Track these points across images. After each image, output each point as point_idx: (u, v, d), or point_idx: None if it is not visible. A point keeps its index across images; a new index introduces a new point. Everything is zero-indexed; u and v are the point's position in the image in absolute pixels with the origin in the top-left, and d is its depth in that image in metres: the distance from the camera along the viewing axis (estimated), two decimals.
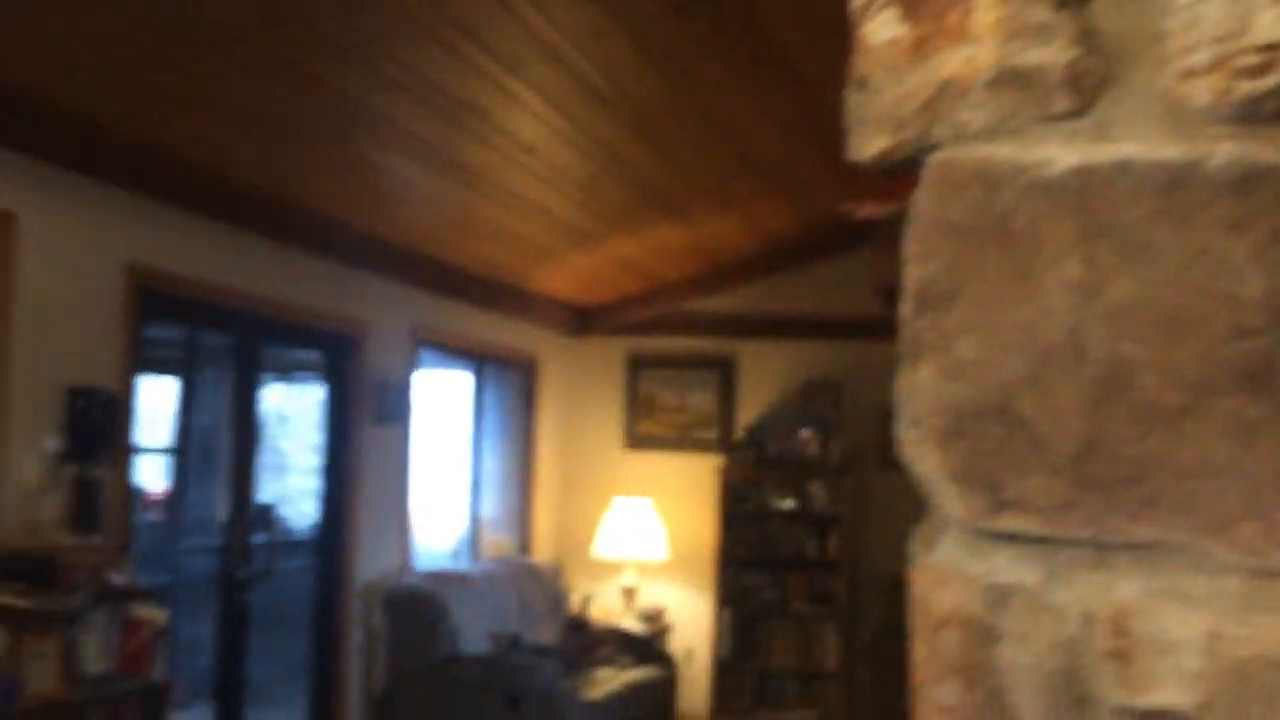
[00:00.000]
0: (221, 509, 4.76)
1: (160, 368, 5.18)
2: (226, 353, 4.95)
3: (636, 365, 7.21)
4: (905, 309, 0.88)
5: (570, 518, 7.16)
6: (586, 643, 5.88)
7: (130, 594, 3.42)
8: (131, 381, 4.00)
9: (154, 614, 3.45)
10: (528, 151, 4.31)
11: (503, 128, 4.04)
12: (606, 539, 6.70)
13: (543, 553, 6.90)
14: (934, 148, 0.91)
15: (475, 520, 6.46)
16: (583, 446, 7.27)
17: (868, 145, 0.88)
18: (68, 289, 3.73)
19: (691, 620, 6.74)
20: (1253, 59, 0.67)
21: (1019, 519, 0.81)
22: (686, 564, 6.80)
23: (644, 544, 6.63)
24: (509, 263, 5.92)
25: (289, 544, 5.32)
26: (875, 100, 0.88)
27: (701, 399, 7.05)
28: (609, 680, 5.46)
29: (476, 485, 6.48)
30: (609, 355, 7.26)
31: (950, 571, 0.88)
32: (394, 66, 3.42)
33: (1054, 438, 0.80)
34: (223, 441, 4.84)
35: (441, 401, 6.37)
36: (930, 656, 0.84)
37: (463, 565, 5.98)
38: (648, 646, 6.06)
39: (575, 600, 6.48)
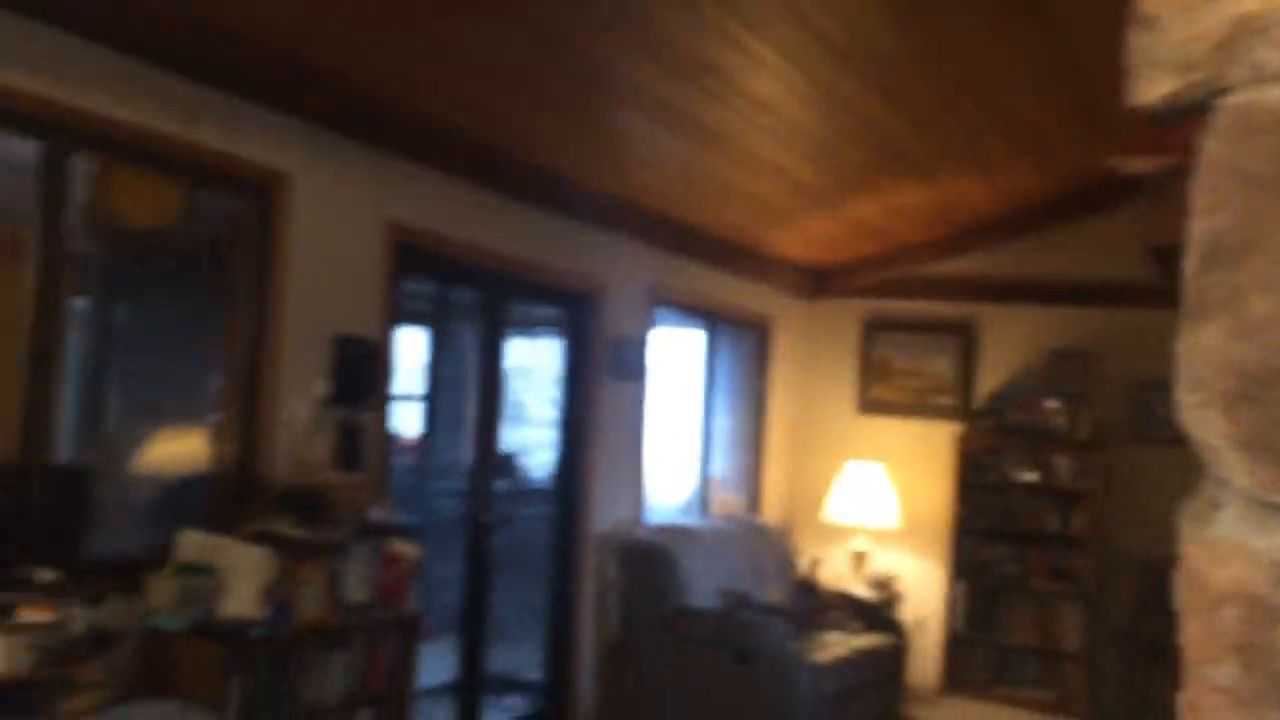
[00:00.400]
0: (467, 456, 5.01)
1: (414, 320, 5.49)
2: (474, 308, 5.19)
3: (872, 329, 7.08)
4: (1190, 265, 0.83)
5: (800, 480, 7.14)
6: (815, 605, 5.87)
7: (388, 530, 3.66)
8: (390, 332, 4.26)
9: (409, 550, 3.68)
10: (766, 111, 4.28)
11: (741, 87, 4.03)
12: (837, 503, 6.65)
13: (771, 513, 6.92)
14: (1227, 91, 0.85)
15: (705, 478, 6.54)
16: (815, 409, 7.22)
17: (1152, 89, 0.83)
18: (335, 245, 3.99)
19: (923, 590, 6.61)
20: None
21: None
22: (919, 532, 6.66)
23: (876, 510, 6.55)
24: (745, 223, 5.92)
25: (528, 492, 5.55)
26: (1162, 40, 0.82)
27: (939, 365, 6.86)
28: (837, 644, 5.44)
29: (707, 443, 6.55)
30: (844, 318, 7.16)
31: (1232, 546, 0.82)
32: (637, 28, 3.46)
33: None
34: (469, 392, 5.08)
35: (675, 359, 6.46)
36: (1206, 635, 0.80)
37: (693, 521, 6.08)
38: (878, 613, 5.98)
39: (804, 562, 6.47)
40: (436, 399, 5.32)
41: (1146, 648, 5.65)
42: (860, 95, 4.20)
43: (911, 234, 6.48)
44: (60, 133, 3.09)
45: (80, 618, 2.72)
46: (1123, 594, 6.13)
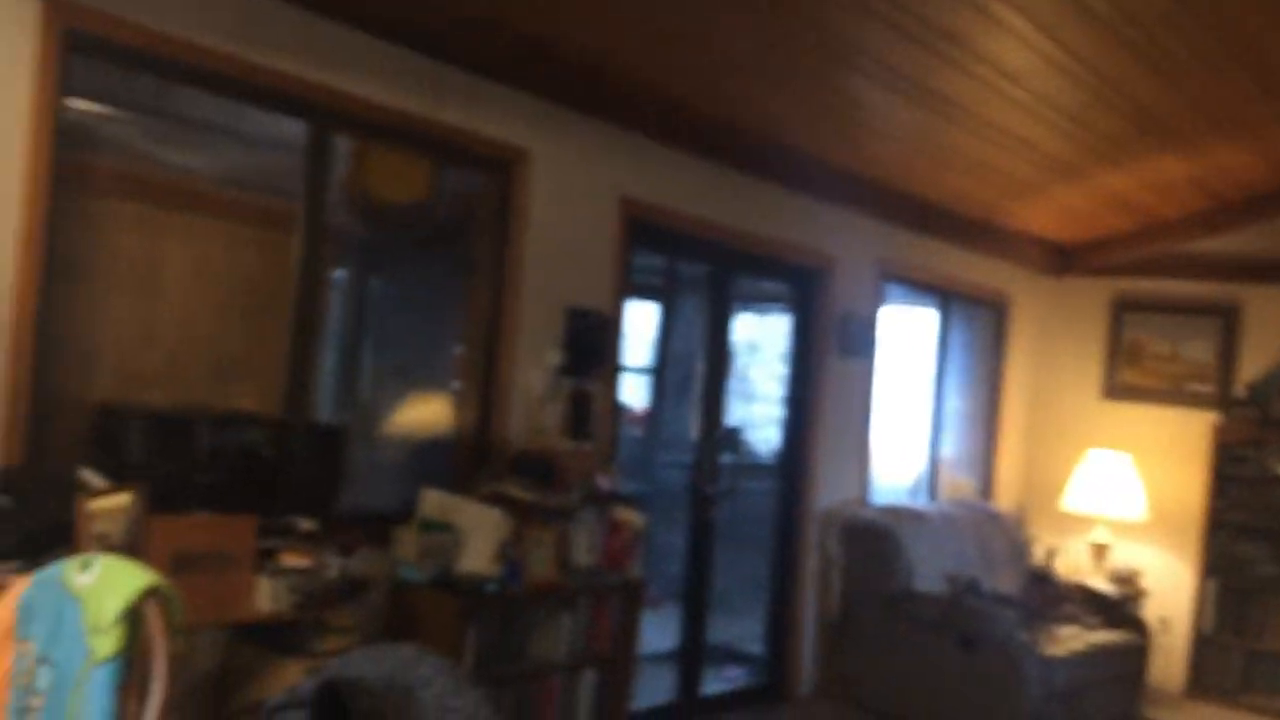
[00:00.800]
0: (693, 428, 5.07)
1: (644, 294, 5.59)
2: (702, 282, 5.24)
3: (1122, 309, 6.70)
4: None
5: (1037, 466, 6.86)
6: (1050, 596, 5.64)
7: (615, 498, 3.77)
8: (621, 306, 4.36)
9: (634, 518, 3.77)
10: (1011, 80, 4.10)
11: (984, 55, 3.87)
12: (1077, 491, 6.35)
13: (1005, 499, 6.68)
14: None
15: (935, 460, 6.37)
16: (1055, 393, 6.90)
17: None
18: (571, 219, 4.12)
19: (1170, 587, 6.23)
20: None
21: None
22: (1167, 526, 6.27)
23: (1120, 500, 6.21)
24: (984, 197, 5.70)
25: (753, 466, 5.57)
26: None
27: (1197, 349, 6.42)
28: (1072, 638, 5.20)
29: (938, 424, 6.38)
30: (1091, 297, 6.80)
31: None
32: None
33: None
34: (696, 365, 5.14)
35: (906, 337, 6.31)
36: None
37: (920, 503, 5.94)
38: (1118, 609, 5.68)
39: (1039, 552, 6.21)
40: (664, 372, 5.41)
41: None
42: (1115, 60, 3.97)
43: (1168, 209, 6.07)
44: (323, 114, 3.33)
45: (335, 566, 2.94)
46: None
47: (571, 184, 4.11)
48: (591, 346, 4.13)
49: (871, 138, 4.80)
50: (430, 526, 3.28)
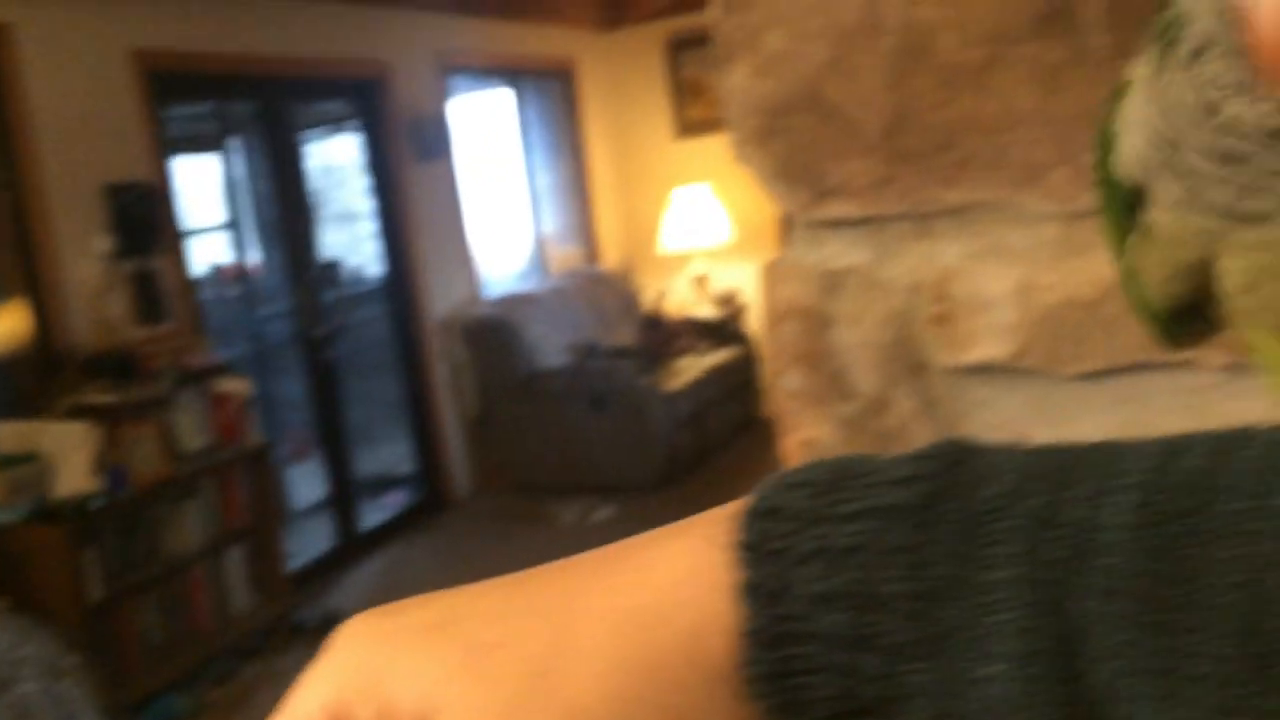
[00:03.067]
0: (290, 272, 4.91)
1: (195, 147, 5.22)
2: (256, 119, 4.95)
3: (678, 49, 6.97)
4: (714, 13, 0.85)
5: (633, 218, 7.19)
6: (664, 337, 6.06)
7: (210, 371, 3.63)
8: (165, 168, 4.06)
9: (237, 384, 3.66)
10: None
11: None
12: (671, 232, 6.74)
13: (612, 258, 7.00)
14: None
15: (539, 238, 6.55)
16: (635, 143, 7.18)
17: None
18: (80, 88, 3.73)
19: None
20: None
21: (842, 204, 0.81)
22: (753, 240, 6.82)
23: (708, 230, 6.65)
24: None
25: (362, 295, 5.49)
26: None
27: None
28: (689, 368, 5.67)
29: (535, 203, 6.53)
30: (647, 44, 7.02)
31: (790, 267, 0.89)
32: None
33: (864, 117, 0.78)
34: (275, 207, 4.93)
35: (487, 125, 6.32)
36: (777, 349, 0.87)
37: (532, 285, 6.13)
38: (724, 329, 6.21)
39: (649, 298, 6.62)
40: (240, 223, 5.14)
41: None
42: None
43: None
44: None
45: None
46: None
47: (72, 49, 3.69)
48: (143, 221, 3.85)
49: None
50: (10, 462, 3.04)
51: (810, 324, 0.88)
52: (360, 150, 5.33)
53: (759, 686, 0.34)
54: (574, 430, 5.12)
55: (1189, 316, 0.46)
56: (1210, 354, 0.68)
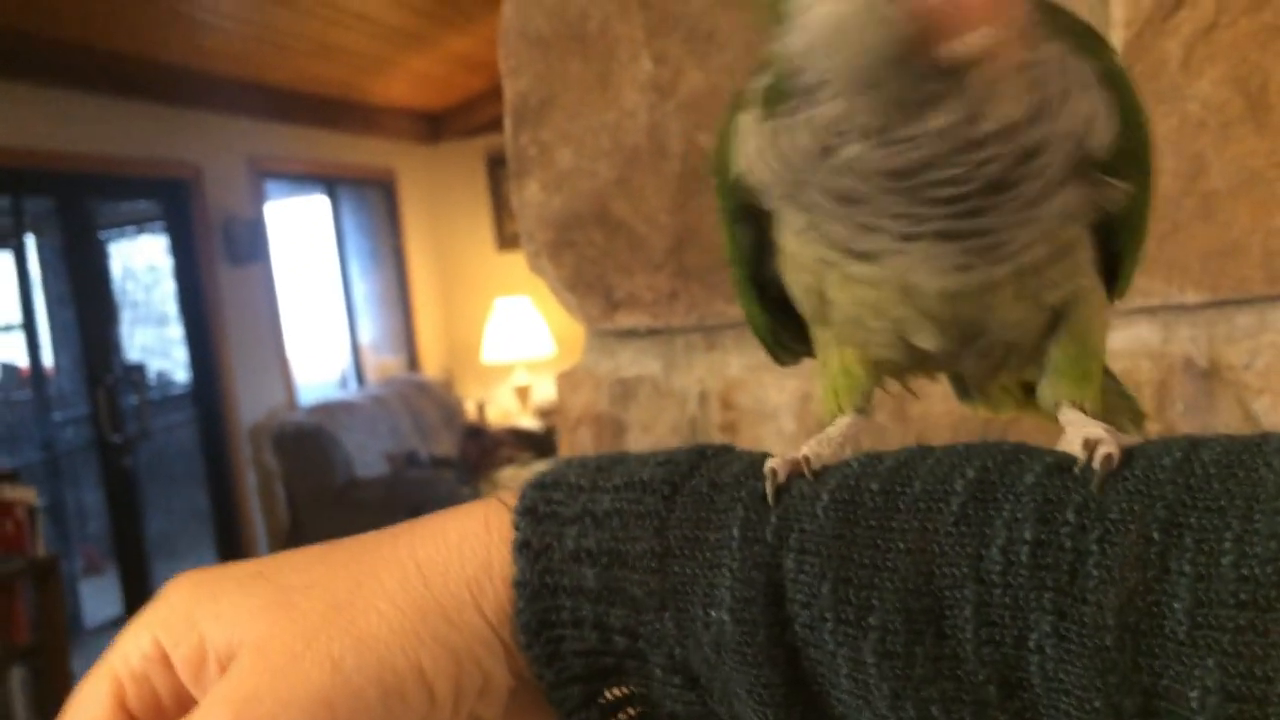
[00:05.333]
0: (88, 375, 4.67)
1: None
2: (54, 216, 4.74)
3: (498, 163, 7.08)
4: (507, 128, 0.88)
5: (455, 328, 7.18)
6: (486, 447, 6.01)
7: None
8: None
9: (23, 493, 3.43)
10: None
11: None
12: (493, 343, 6.75)
13: (433, 367, 6.95)
14: None
15: (356, 346, 6.45)
16: (456, 255, 7.21)
17: None
18: None
19: None
20: None
21: (631, 316, 0.85)
22: (575, 353, 6.88)
23: (531, 341, 6.70)
24: (341, 77, 5.68)
25: (168, 400, 5.26)
26: None
27: None
28: (511, 479, 5.63)
29: (351, 311, 6.44)
30: (469, 157, 7.11)
31: (584, 375, 0.92)
32: None
33: (650, 234, 0.83)
34: (74, 308, 4.70)
35: (302, 231, 6.23)
36: (570, 453, 0.89)
37: (350, 393, 6.01)
38: (546, 440, 6.22)
39: (470, 408, 6.58)
40: (34, 324, 4.88)
41: None
42: None
43: None
44: None
45: None
46: None
47: None
48: None
49: (202, 30, 4.56)
50: None
51: (604, 430, 0.91)
52: (167, 252, 5.16)
53: (524, 638, 0.39)
54: None
55: (796, 335, 0.50)
56: None
